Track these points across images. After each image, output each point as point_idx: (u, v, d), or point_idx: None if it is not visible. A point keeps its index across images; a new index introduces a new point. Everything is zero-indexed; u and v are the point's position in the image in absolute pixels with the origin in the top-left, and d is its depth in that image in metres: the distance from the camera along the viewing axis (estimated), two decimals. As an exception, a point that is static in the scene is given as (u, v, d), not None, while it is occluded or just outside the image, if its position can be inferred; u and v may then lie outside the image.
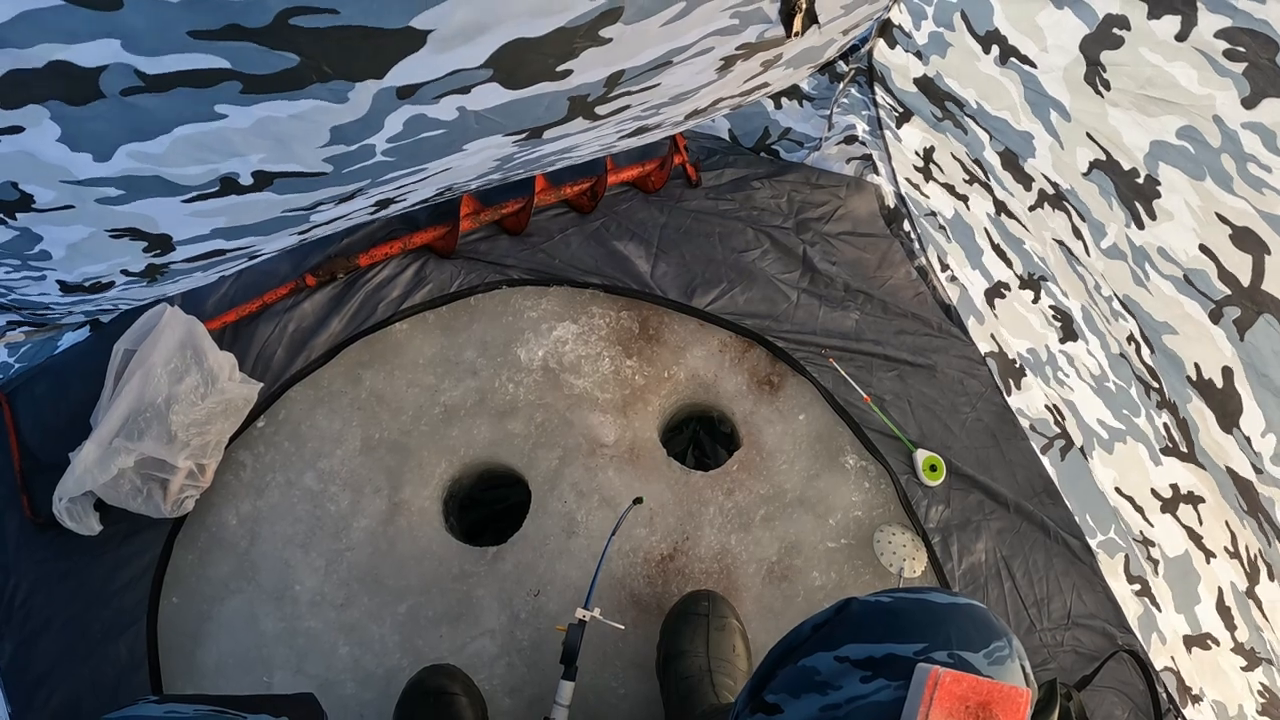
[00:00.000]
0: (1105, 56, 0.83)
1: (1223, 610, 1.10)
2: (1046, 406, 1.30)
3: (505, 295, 1.38)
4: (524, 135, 0.91)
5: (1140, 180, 0.87)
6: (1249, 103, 0.73)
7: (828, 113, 1.33)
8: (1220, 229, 0.81)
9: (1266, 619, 1.01)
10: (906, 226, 1.42)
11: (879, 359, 1.36)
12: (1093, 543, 1.29)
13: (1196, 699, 1.21)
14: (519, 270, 1.37)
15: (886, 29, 1.12)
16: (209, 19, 0.54)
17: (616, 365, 1.36)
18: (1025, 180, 1.07)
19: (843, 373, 1.34)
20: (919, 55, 1.10)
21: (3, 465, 1.23)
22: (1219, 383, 0.89)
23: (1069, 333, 1.19)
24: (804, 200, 1.42)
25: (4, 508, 1.22)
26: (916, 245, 1.41)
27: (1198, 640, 1.17)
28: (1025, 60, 0.93)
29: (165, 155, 0.67)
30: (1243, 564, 1.02)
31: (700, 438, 1.54)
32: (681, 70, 0.89)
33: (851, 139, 1.38)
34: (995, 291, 1.30)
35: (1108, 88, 0.85)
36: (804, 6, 0.85)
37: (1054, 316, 1.20)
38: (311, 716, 0.88)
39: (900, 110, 1.23)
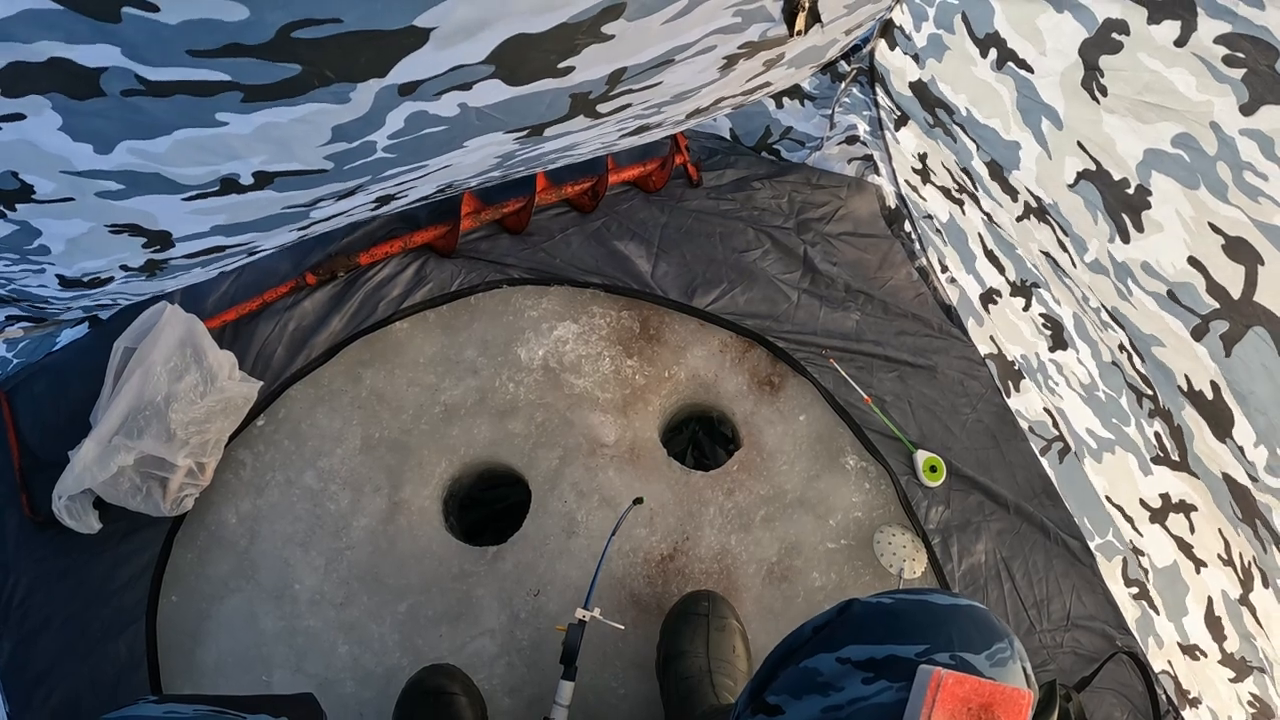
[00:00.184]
0: (1104, 61, 0.83)
1: (1211, 621, 1.10)
2: (1044, 409, 1.30)
3: (506, 294, 1.38)
4: (525, 133, 0.90)
5: (1130, 191, 0.87)
6: (1247, 109, 0.73)
7: (829, 112, 1.33)
8: (1213, 239, 0.81)
9: (1261, 625, 1.01)
10: (907, 227, 1.42)
11: (879, 360, 1.36)
12: (1092, 545, 1.29)
13: (1195, 702, 1.21)
14: (520, 269, 1.37)
15: (888, 29, 1.12)
16: (207, 39, 0.54)
17: (617, 365, 1.36)
18: (1011, 192, 1.07)
19: (843, 373, 1.34)
20: (916, 59, 1.10)
21: (2, 463, 1.23)
22: (1209, 395, 0.89)
23: (1059, 341, 1.19)
24: (805, 200, 1.42)
25: (3, 506, 1.22)
26: (917, 246, 1.41)
27: (1187, 650, 1.17)
28: (1022, 65, 0.93)
29: (166, 155, 0.67)
30: (1236, 571, 1.02)
31: (700, 438, 1.54)
32: (684, 69, 0.89)
33: (853, 139, 1.38)
34: (988, 298, 1.30)
35: (1104, 93, 0.85)
36: (807, 5, 0.85)
37: (1044, 324, 1.21)
38: (311, 716, 0.88)
39: (898, 113, 1.24)
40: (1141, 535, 1.18)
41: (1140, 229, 0.87)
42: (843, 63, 1.22)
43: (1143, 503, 1.15)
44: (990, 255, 1.24)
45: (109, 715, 0.72)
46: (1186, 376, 0.92)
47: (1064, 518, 1.31)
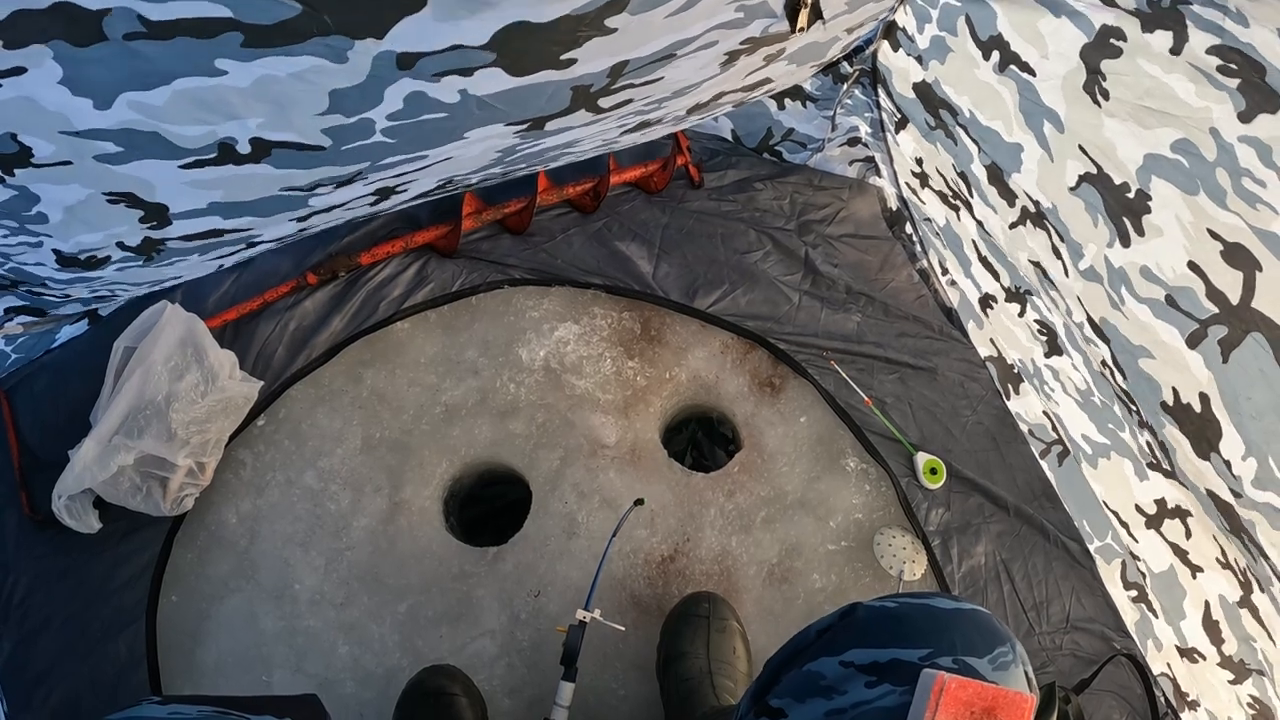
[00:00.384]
0: (1105, 65, 0.83)
1: (1209, 625, 1.10)
2: (1044, 412, 1.30)
3: (507, 295, 1.38)
4: (526, 126, 0.90)
5: (1131, 195, 0.87)
6: (1245, 117, 0.73)
7: (831, 114, 1.33)
8: (1211, 245, 0.81)
9: (1264, 627, 1.01)
10: (908, 229, 1.42)
11: (880, 362, 1.36)
12: (1091, 548, 1.30)
13: (1194, 705, 1.21)
14: (521, 270, 1.37)
15: (891, 31, 1.12)
16: None
17: (618, 366, 1.36)
18: (1009, 196, 1.07)
19: (844, 375, 1.34)
20: (919, 60, 1.10)
21: (2, 462, 1.23)
22: (1197, 407, 0.89)
23: (1054, 347, 1.19)
24: (806, 202, 1.42)
25: (3, 505, 1.21)
26: (918, 248, 1.41)
27: (1185, 653, 1.17)
28: (1025, 68, 0.93)
29: (164, 109, 0.67)
30: (1235, 574, 1.02)
31: (699, 438, 1.54)
32: (686, 64, 0.89)
33: (854, 141, 1.38)
34: (985, 302, 1.30)
35: (1106, 97, 0.85)
36: (809, 2, 0.85)
37: (1039, 331, 1.21)
38: (315, 718, 0.88)
39: (899, 116, 1.24)
40: (1137, 541, 1.18)
41: (1141, 233, 0.88)
42: (845, 64, 1.22)
43: (1138, 508, 1.15)
44: (984, 261, 1.24)
45: (112, 716, 0.72)
46: (1174, 389, 0.91)
47: (1064, 520, 1.31)
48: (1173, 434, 0.95)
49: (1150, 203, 0.85)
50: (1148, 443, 1.05)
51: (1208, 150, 0.78)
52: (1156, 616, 1.21)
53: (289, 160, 0.79)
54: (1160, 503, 1.11)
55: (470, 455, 1.31)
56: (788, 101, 1.35)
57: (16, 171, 0.72)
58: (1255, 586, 0.99)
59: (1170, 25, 0.75)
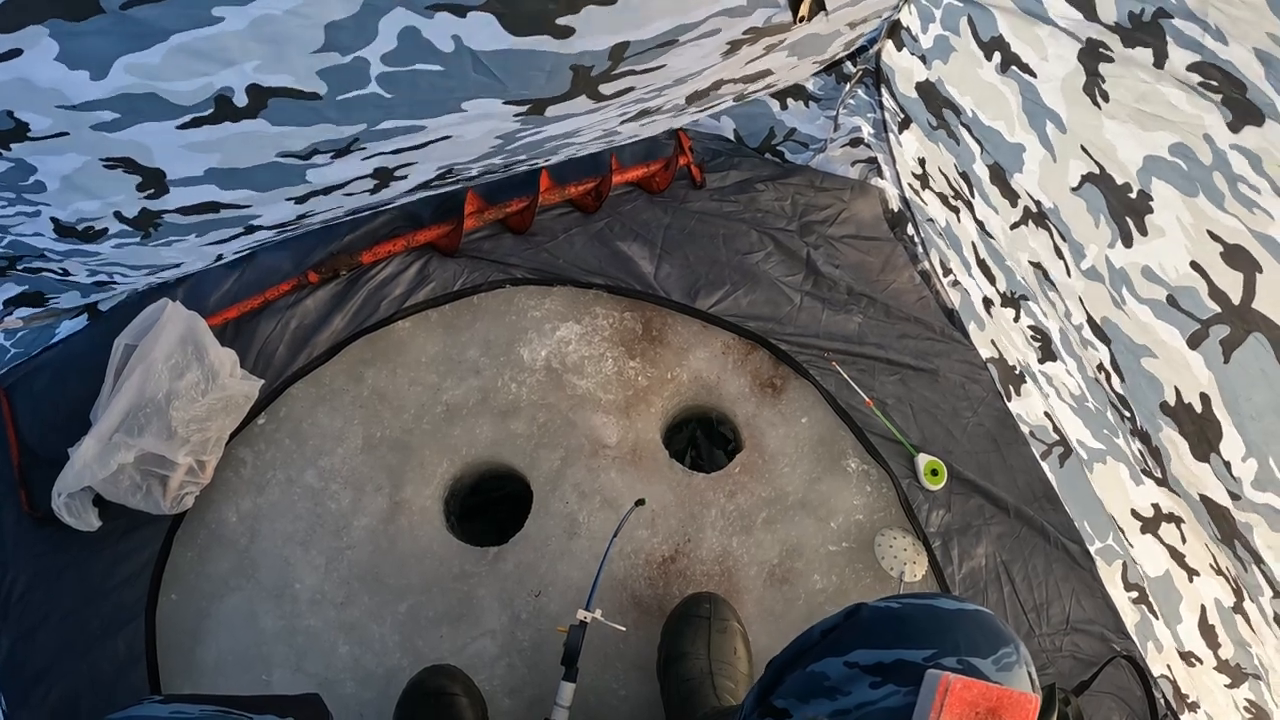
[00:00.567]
0: (1104, 69, 0.83)
1: (1205, 629, 1.10)
2: (1045, 413, 1.30)
3: (508, 294, 1.38)
4: (526, 109, 0.90)
5: (1133, 195, 0.87)
6: (1233, 127, 0.73)
7: (833, 114, 1.33)
8: (1212, 246, 0.81)
9: (1255, 632, 1.02)
10: (910, 230, 1.42)
11: (881, 363, 1.36)
12: (1092, 549, 1.30)
13: (1193, 707, 1.21)
14: (523, 270, 1.37)
15: (895, 30, 1.12)
16: None
17: (619, 366, 1.36)
18: (1011, 196, 1.07)
19: (845, 376, 1.34)
20: (923, 59, 1.10)
21: (1, 460, 1.22)
22: (1198, 407, 0.89)
23: (1048, 353, 1.19)
24: (808, 203, 1.43)
25: (2, 503, 1.21)
26: (920, 249, 1.42)
27: (1184, 656, 1.18)
28: (1025, 69, 0.93)
29: (161, 67, 0.67)
30: (1229, 580, 1.02)
31: (698, 439, 1.54)
32: (688, 52, 0.89)
33: (857, 141, 1.38)
34: (988, 303, 1.30)
35: (1106, 99, 0.85)
36: (812, -8, 0.85)
37: (1033, 336, 1.21)
38: (318, 718, 0.88)
39: (902, 116, 1.24)
40: (1133, 546, 1.19)
41: (1144, 232, 0.88)
42: (849, 63, 1.22)
43: (1134, 513, 1.15)
44: (982, 264, 1.24)
45: (113, 715, 0.72)
46: (1176, 389, 0.91)
47: (1064, 522, 1.31)
48: (1170, 437, 0.95)
49: (1151, 203, 0.85)
50: (1139, 450, 1.05)
51: (1203, 155, 0.78)
52: (1157, 618, 1.21)
53: (285, 114, 0.79)
54: (1156, 507, 1.11)
55: (471, 455, 1.31)
56: (790, 101, 1.35)
57: (13, 146, 0.72)
58: (1246, 595, 0.99)
59: (1150, 42, 0.75)
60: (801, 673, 0.69)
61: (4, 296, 1.09)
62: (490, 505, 1.44)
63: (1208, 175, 0.78)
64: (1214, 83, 0.71)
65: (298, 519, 1.26)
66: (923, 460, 1.31)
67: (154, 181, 0.85)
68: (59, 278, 1.08)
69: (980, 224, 1.18)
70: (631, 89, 0.95)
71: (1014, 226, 1.10)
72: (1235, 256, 0.79)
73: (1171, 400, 0.92)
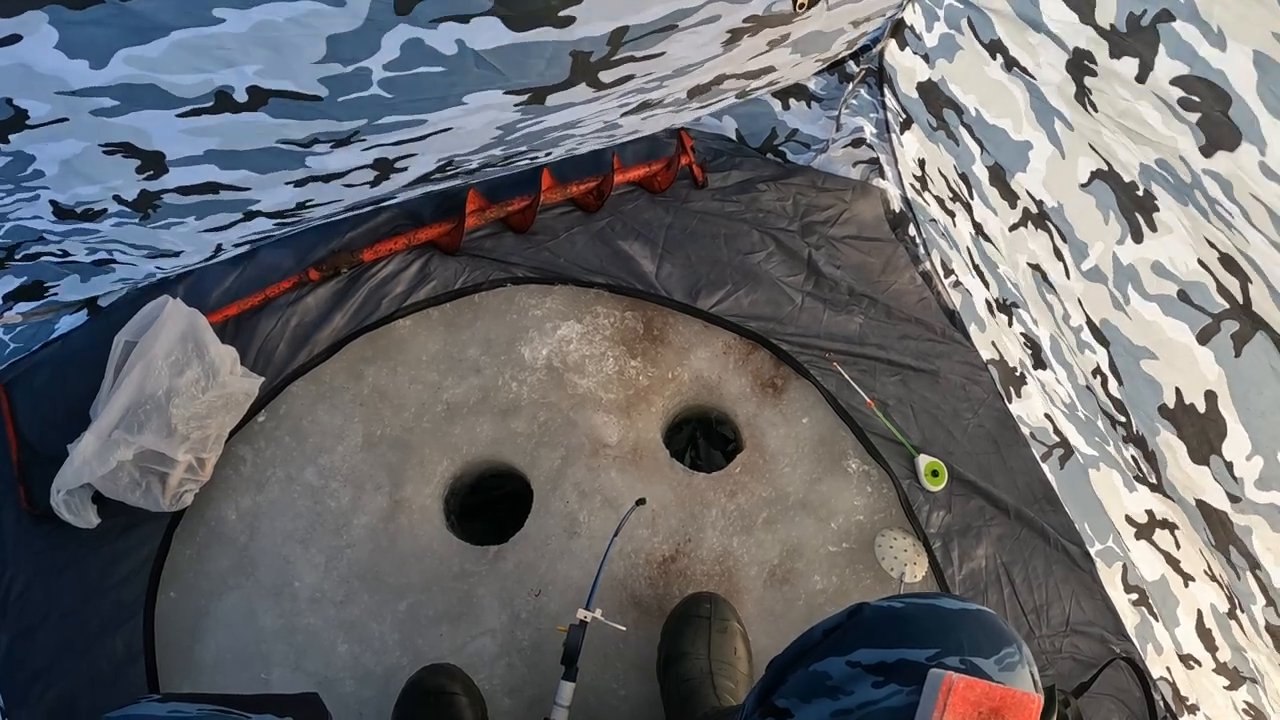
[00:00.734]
0: (1089, 82, 0.83)
1: (1203, 633, 1.10)
2: (1045, 415, 1.30)
3: (510, 293, 1.38)
4: (526, 97, 0.89)
5: (1140, 194, 0.87)
6: (1205, 151, 0.73)
7: (835, 114, 1.33)
8: (1209, 251, 0.81)
9: (1249, 639, 1.02)
10: (911, 231, 1.42)
11: (882, 363, 1.36)
12: (1092, 551, 1.30)
13: (1193, 709, 1.21)
14: (524, 268, 1.37)
15: (899, 29, 1.12)
16: None
17: (620, 365, 1.36)
18: (1011, 197, 1.06)
19: (846, 377, 1.34)
20: (926, 59, 1.10)
21: (0, 456, 1.22)
22: (1201, 407, 0.89)
23: (1038, 361, 1.20)
24: (810, 203, 1.43)
25: (1, 500, 1.21)
26: (921, 250, 1.42)
27: (1183, 659, 1.18)
28: (1025, 72, 0.93)
29: (161, 60, 0.67)
30: (1222, 587, 1.02)
31: (697, 439, 1.54)
32: (687, 38, 0.88)
33: (859, 142, 1.38)
34: (987, 307, 1.30)
35: (1095, 109, 0.85)
36: (811, -19, 0.85)
37: (1025, 344, 1.21)
38: (316, 717, 0.87)
39: (904, 116, 1.24)
40: (1129, 551, 1.19)
41: (1154, 228, 0.88)
42: (852, 63, 1.22)
43: (1129, 519, 1.16)
44: (976, 269, 1.24)
45: (112, 714, 0.71)
46: (1177, 390, 0.91)
47: (1064, 523, 1.31)
48: (1167, 440, 0.95)
49: (1157, 201, 0.86)
50: (1133, 456, 1.05)
51: (1183, 174, 0.78)
52: (1157, 620, 1.21)
53: (286, 110, 0.78)
54: (1150, 513, 1.11)
55: (471, 453, 1.31)
56: (792, 101, 1.35)
57: (11, 138, 0.72)
58: (1238, 604, 0.99)
59: (1138, 51, 0.74)
60: (804, 672, 0.69)
61: (3, 291, 1.08)
62: (490, 504, 1.44)
63: (1190, 191, 0.78)
64: (1195, 98, 0.71)
65: (297, 517, 1.26)
66: (923, 461, 1.31)
67: (153, 163, 0.84)
68: (58, 260, 1.07)
69: (978, 227, 1.18)
70: (631, 76, 0.94)
71: (1013, 228, 1.10)
72: (1229, 264, 0.80)
73: (1171, 402, 0.92)
